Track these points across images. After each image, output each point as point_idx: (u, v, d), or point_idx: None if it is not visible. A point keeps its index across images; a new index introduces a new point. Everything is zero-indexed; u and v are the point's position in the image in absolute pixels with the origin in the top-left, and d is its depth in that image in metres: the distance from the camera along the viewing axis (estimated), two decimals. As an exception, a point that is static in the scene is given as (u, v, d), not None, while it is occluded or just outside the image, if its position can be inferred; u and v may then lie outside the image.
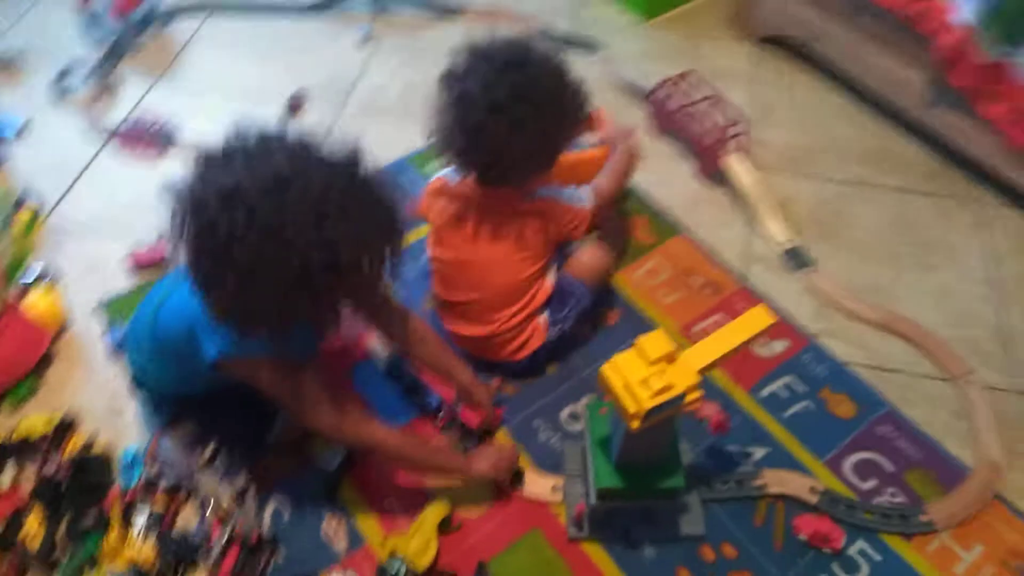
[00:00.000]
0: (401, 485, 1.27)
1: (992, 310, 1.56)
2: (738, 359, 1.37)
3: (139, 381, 1.23)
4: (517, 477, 1.26)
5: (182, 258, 0.93)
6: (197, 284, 0.95)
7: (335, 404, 1.12)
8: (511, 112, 1.14)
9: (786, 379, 1.43)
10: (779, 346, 1.48)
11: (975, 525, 1.25)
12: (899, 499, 1.27)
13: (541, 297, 1.36)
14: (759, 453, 1.32)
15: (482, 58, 1.17)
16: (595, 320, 1.48)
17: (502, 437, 1.34)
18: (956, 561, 1.21)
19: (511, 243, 1.30)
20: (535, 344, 1.37)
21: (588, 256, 1.44)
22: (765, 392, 1.41)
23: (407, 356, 1.36)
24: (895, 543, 1.22)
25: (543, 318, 1.38)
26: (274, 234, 0.86)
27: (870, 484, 1.29)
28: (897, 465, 1.32)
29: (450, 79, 1.20)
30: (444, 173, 1.35)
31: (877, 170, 1.83)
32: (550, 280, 1.38)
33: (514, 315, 1.33)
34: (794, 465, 1.31)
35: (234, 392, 1.17)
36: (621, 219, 1.66)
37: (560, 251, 1.42)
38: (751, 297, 1.54)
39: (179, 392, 1.19)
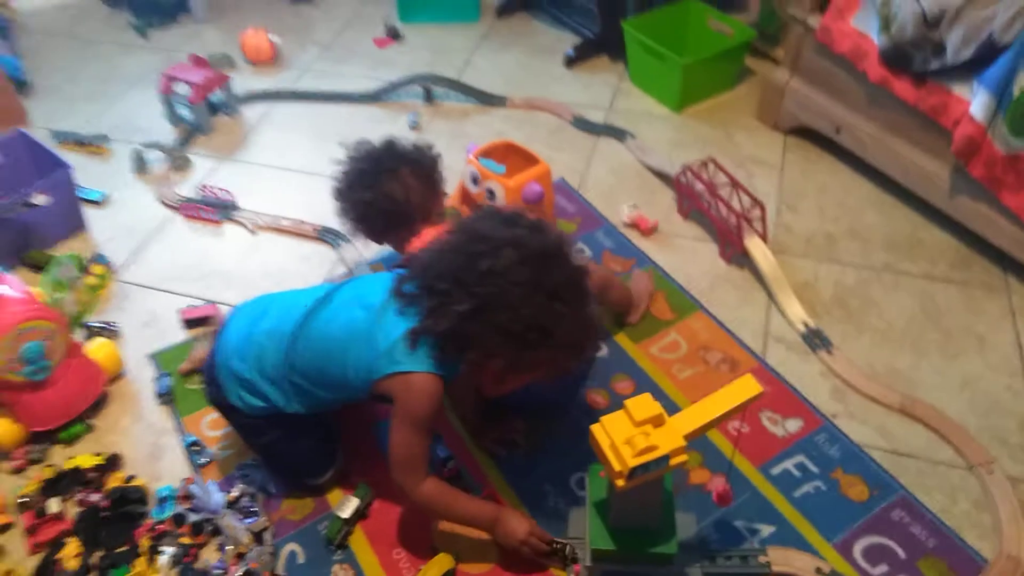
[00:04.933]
0: (410, 533, 1.32)
1: (1020, 400, 1.53)
2: (750, 436, 1.39)
3: (230, 402, 1.30)
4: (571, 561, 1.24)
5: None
6: (430, 297, 1.11)
7: (420, 462, 1.19)
8: (390, 164, 1.51)
9: (798, 458, 1.43)
10: (793, 425, 1.49)
11: (991, 618, 1.21)
12: (911, 587, 1.25)
13: None
14: (766, 531, 1.32)
15: (356, 160, 1.54)
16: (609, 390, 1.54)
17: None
18: (969, 655, 1.17)
19: None
20: None
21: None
22: (776, 470, 1.41)
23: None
24: (904, 631, 1.20)
25: None
26: (526, 284, 1.06)
27: (880, 570, 1.27)
28: (910, 552, 1.29)
29: (346, 190, 1.54)
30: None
31: (903, 256, 1.85)
32: None
33: None
34: (802, 545, 1.30)
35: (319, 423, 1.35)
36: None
37: None
38: (768, 375, 1.57)
39: (282, 406, 1.27)
